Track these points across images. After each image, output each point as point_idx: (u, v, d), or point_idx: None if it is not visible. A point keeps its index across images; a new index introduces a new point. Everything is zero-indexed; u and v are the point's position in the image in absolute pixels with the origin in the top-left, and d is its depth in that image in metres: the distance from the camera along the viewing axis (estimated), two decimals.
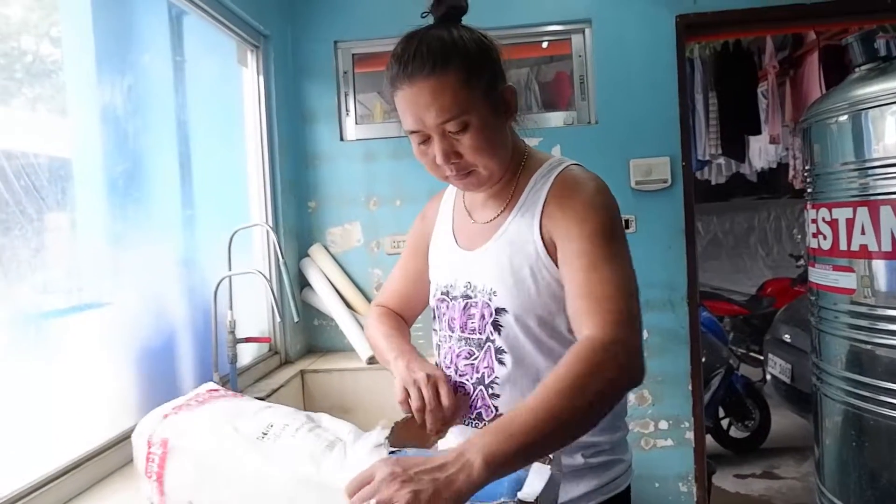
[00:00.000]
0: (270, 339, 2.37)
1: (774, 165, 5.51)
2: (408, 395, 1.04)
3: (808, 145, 1.98)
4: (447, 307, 1.13)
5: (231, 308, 1.87)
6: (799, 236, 6.26)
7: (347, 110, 2.72)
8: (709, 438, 3.67)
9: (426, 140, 1.01)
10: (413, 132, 1.01)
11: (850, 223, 1.76)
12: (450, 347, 1.13)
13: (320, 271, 2.62)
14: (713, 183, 5.71)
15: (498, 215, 1.10)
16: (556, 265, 1.02)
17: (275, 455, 0.88)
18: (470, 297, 1.09)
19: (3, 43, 1.36)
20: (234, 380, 1.87)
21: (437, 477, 0.74)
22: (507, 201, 1.10)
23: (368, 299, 2.65)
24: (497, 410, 1.06)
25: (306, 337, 2.67)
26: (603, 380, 0.84)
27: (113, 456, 1.43)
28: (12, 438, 1.21)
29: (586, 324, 0.92)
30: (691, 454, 2.61)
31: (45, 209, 1.35)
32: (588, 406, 0.83)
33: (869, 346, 1.76)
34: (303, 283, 2.66)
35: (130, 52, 1.71)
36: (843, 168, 1.78)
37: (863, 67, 1.81)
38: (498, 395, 1.06)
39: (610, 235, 0.99)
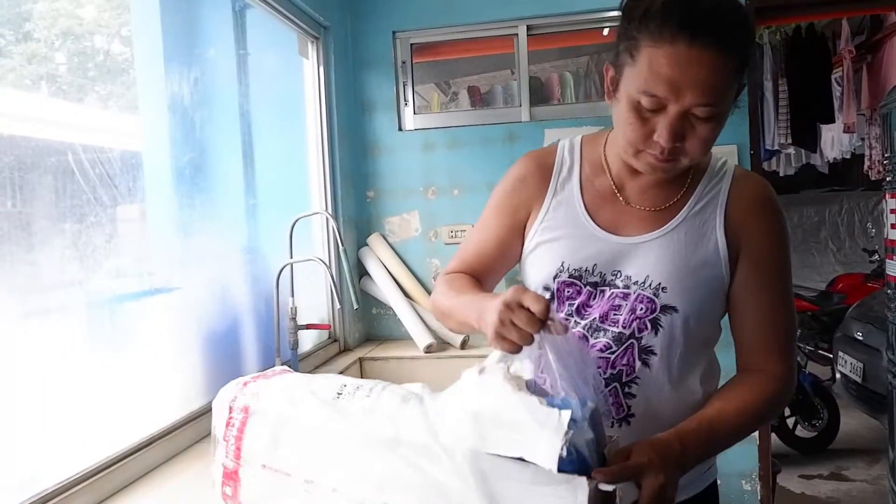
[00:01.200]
0: (330, 325, 2.42)
1: (848, 156, 5.24)
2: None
3: (887, 132, 1.88)
4: (577, 292, 1.02)
5: (292, 295, 1.92)
6: (873, 231, 5.94)
7: (406, 100, 2.74)
8: (774, 437, 3.55)
9: (659, 109, 0.88)
10: (653, 96, 0.87)
11: None
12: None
13: (378, 260, 2.65)
14: (781, 174, 5.48)
15: (671, 205, 1.02)
16: (731, 267, 1.00)
17: (351, 412, 0.88)
18: (619, 288, 1.00)
19: (77, 42, 1.43)
20: (296, 365, 1.92)
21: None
22: (681, 191, 1.02)
23: (426, 288, 2.67)
24: (629, 410, 0.99)
25: (365, 325, 2.72)
26: (773, 416, 1.02)
27: (184, 434, 1.50)
28: (90, 417, 1.28)
29: (773, 360, 0.98)
30: (755, 452, 2.54)
31: (118, 198, 1.41)
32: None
33: None
34: (361, 271, 2.70)
35: (196, 47, 1.77)
36: None
37: None
38: (634, 396, 0.99)
39: (790, 269, 1.03)
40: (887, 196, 1.87)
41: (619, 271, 1.00)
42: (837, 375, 3.81)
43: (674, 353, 0.99)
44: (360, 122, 2.73)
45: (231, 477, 0.93)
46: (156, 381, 1.48)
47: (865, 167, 4.52)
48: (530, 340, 0.81)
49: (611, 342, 0.99)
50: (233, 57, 1.97)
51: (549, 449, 0.73)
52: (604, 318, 1.00)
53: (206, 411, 1.60)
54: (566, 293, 1.02)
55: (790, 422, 3.88)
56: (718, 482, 1.12)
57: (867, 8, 3.07)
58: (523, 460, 0.75)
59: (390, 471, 0.82)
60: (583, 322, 1.01)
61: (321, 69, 2.48)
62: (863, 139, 4.73)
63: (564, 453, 0.73)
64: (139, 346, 1.46)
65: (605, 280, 1.01)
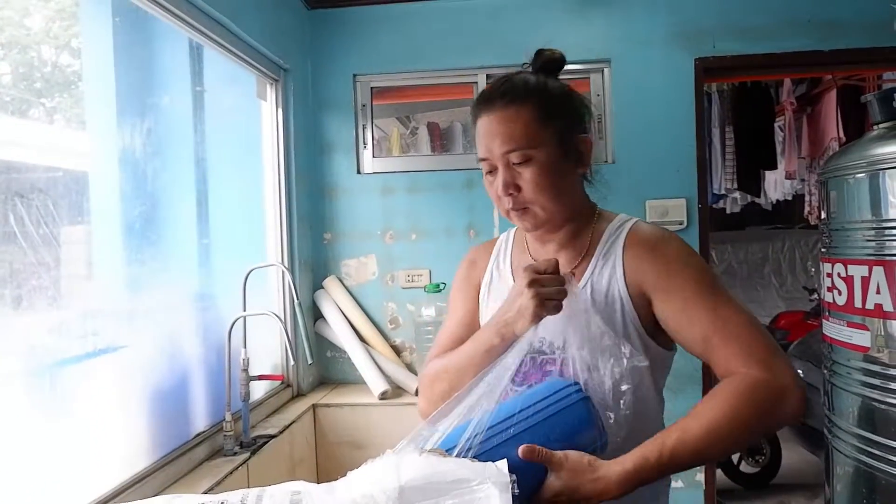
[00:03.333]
0: (283, 376, 2.39)
1: (790, 198, 5.48)
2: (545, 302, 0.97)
3: (825, 196, 1.97)
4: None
5: (245, 346, 1.89)
6: (812, 269, 6.20)
7: (365, 143, 2.75)
8: (719, 473, 3.64)
9: (493, 170, 1.05)
10: (482, 160, 1.06)
11: (865, 281, 1.74)
12: None
13: (334, 303, 2.63)
14: (728, 212, 5.69)
15: (575, 266, 1.09)
16: (640, 318, 1.03)
17: None
18: (548, 354, 1.06)
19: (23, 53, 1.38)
20: (247, 417, 1.89)
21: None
22: (582, 253, 1.10)
23: (382, 332, 2.66)
24: None
25: (319, 369, 2.68)
26: (758, 417, 0.90)
27: (129, 498, 1.45)
28: (29, 488, 1.23)
29: (735, 362, 0.94)
30: (701, 497, 2.60)
31: (63, 257, 1.37)
32: (746, 440, 0.92)
33: (883, 406, 1.74)
34: (316, 314, 2.68)
35: (151, 91, 1.74)
36: (860, 225, 1.78)
37: (882, 125, 1.80)
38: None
39: (716, 280, 1.03)
40: (824, 259, 1.96)
41: (544, 338, 1.06)
42: None
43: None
44: (319, 164, 2.72)
45: None
46: (99, 444, 1.43)
47: (805, 211, 4.73)
48: (566, 293, 0.98)
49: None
50: (188, 95, 1.94)
51: (501, 496, 0.77)
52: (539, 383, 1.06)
53: (151, 472, 1.56)
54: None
55: (735, 458, 3.99)
56: None
57: (803, 71, 3.24)
58: None
59: None
60: (520, 389, 1.06)
61: (280, 111, 2.47)
62: (803, 181, 4.94)
63: (516, 490, 0.79)
64: (82, 409, 1.41)
65: (538, 348, 1.07)
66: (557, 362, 1.05)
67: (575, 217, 1.11)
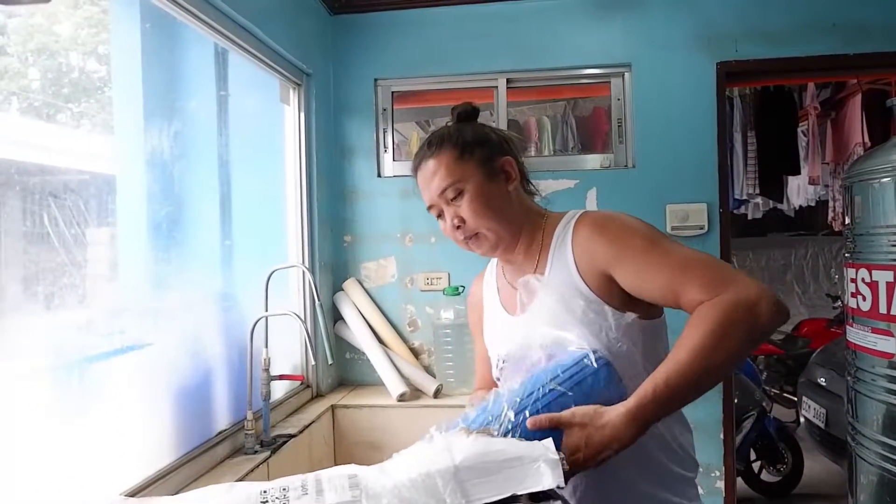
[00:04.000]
0: (303, 377, 2.41)
1: (813, 204, 5.41)
2: None
3: (849, 201, 1.96)
4: (511, 370, 1.18)
5: (266, 346, 1.92)
6: (836, 276, 6.11)
7: (385, 147, 2.77)
8: (739, 482, 3.59)
9: (441, 214, 1.20)
10: (430, 208, 1.21)
11: (890, 287, 1.73)
12: None
13: (354, 306, 2.65)
14: (750, 218, 5.63)
15: (534, 271, 1.19)
16: (603, 299, 1.09)
17: None
18: (536, 356, 1.13)
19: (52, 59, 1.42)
20: (267, 416, 1.91)
21: (604, 456, 0.93)
22: (537, 259, 1.20)
23: (401, 335, 2.67)
24: None
25: (338, 370, 2.71)
26: (738, 330, 0.94)
27: (152, 493, 1.47)
28: (56, 483, 1.25)
29: (690, 295, 0.99)
30: (721, 502, 2.57)
31: (90, 257, 1.40)
32: (734, 357, 0.96)
33: None
34: (336, 316, 2.70)
35: (176, 93, 1.78)
36: (885, 230, 1.76)
37: None
38: None
39: (657, 233, 1.09)
40: (848, 264, 1.94)
41: (526, 344, 1.15)
42: (801, 420, 3.88)
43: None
44: (340, 167, 2.75)
45: None
46: (124, 440, 1.46)
47: (829, 217, 4.66)
48: None
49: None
50: (213, 99, 1.97)
51: (553, 471, 0.83)
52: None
53: (175, 468, 1.58)
54: (505, 375, 1.21)
55: (755, 466, 3.94)
56: None
57: (827, 76, 3.20)
58: (505, 501, 0.81)
59: None
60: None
61: (302, 115, 2.51)
62: (827, 186, 4.88)
63: (566, 466, 0.85)
64: (108, 405, 1.43)
65: (525, 355, 1.15)
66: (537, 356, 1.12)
67: (525, 228, 1.21)
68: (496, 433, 0.93)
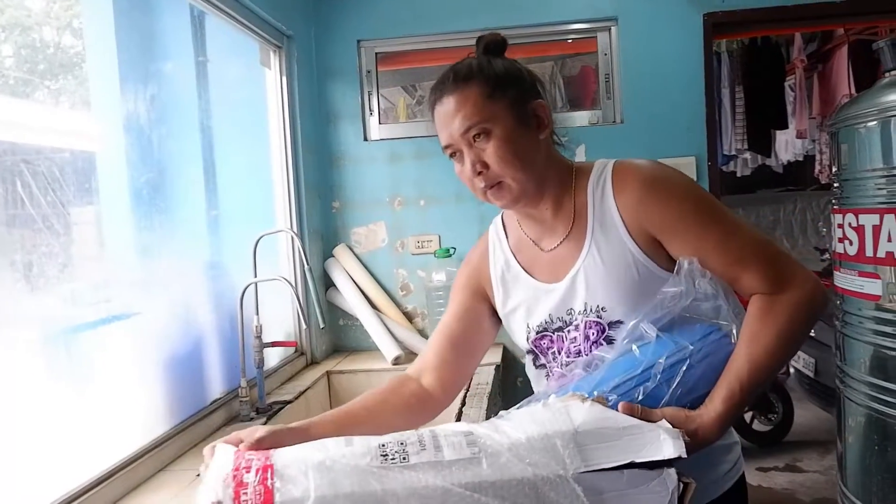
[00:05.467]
0: (296, 343, 2.41)
1: (801, 158, 5.41)
2: None
3: (836, 148, 1.96)
4: (551, 341, 1.12)
5: (257, 313, 1.91)
6: (824, 230, 6.15)
7: (371, 110, 2.73)
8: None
9: (460, 155, 1.07)
10: (446, 147, 1.08)
11: (876, 230, 1.74)
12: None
13: (345, 272, 2.65)
14: (738, 175, 5.63)
15: (570, 231, 1.10)
16: (654, 260, 1.03)
17: (421, 466, 0.75)
18: (573, 324, 1.08)
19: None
20: (262, 384, 1.91)
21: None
22: (572, 218, 1.10)
23: (393, 299, 2.67)
24: None
25: (332, 337, 2.71)
26: (805, 328, 0.97)
27: (147, 464, 1.48)
28: (47, 453, 1.25)
29: (750, 282, 0.99)
30: None
31: (72, 223, 1.38)
32: (792, 353, 0.99)
33: (893, 353, 1.74)
34: (328, 283, 2.70)
35: (153, 56, 1.74)
36: (872, 174, 1.76)
37: (893, 72, 1.78)
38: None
39: (717, 206, 1.04)
40: (835, 210, 1.95)
41: (571, 308, 1.09)
42: (791, 370, 3.95)
43: None
44: (325, 132, 2.71)
45: None
46: (116, 410, 1.46)
47: (816, 171, 4.67)
48: None
49: (581, 371, 1.05)
50: (191, 65, 1.93)
51: (674, 441, 0.80)
52: (569, 353, 1.09)
53: (169, 437, 1.59)
54: (544, 345, 1.13)
55: (747, 416, 4.01)
56: (685, 482, 1.16)
57: (816, 24, 3.17)
58: (621, 468, 0.79)
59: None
60: (556, 364, 1.11)
61: (284, 79, 2.46)
62: (814, 141, 4.88)
63: (687, 438, 0.82)
64: (98, 375, 1.43)
65: (564, 322, 1.10)
66: (583, 326, 1.07)
67: (552, 183, 1.11)
68: (613, 398, 0.91)
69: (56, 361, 1.34)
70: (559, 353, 1.10)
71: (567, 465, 0.77)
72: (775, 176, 6.15)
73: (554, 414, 0.84)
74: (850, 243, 1.84)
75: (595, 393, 0.92)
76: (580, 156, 2.60)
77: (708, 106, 2.56)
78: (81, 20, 1.57)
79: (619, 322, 1.04)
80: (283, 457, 0.77)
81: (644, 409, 0.89)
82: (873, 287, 1.76)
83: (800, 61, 4.26)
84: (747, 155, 4.72)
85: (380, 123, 2.74)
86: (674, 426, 0.87)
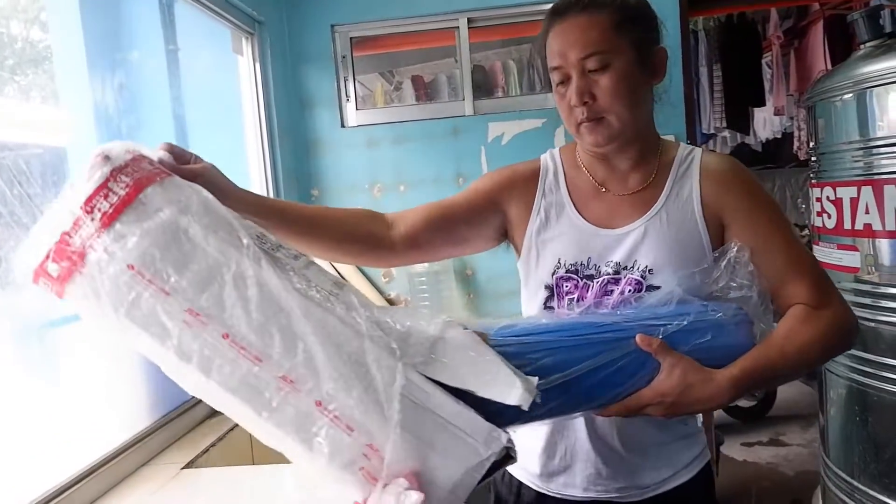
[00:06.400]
0: None
1: (779, 136, 5.46)
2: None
3: (812, 123, 1.96)
4: (574, 286, 1.07)
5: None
6: (803, 206, 6.22)
7: (347, 96, 2.70)
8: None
9: (566, 80, 1.01)
10: (555, 68, 1.02)
11: (854, 202, 1.75)
12: None
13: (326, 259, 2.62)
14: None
15: (645, 187, 1.08)
16: (713, 245, 1.04)
17: (281, 260, 0.74)
18: (611, 275, 1.05)
19: None
20: None
21: (690, 410, 0.91)
22: (653, 173, 1.08)
23: (376, 286, 2.66)
24: None
25: None
26: (835, 348, 1.03)
27: (129, 458, 1.46)
28: (25, 452, 1.23)
29: (795, 291, 1.01)
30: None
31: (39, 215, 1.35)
32: (815, 365, 1.11)
33: (872, 324, 1.76)
34: None
35: (121, 45, 1.70)
36: (848, 147, 1.77)
37: (868, 44, 1.78)
38: None
39: (785, 216, 1.07)
40: (813, 184, 1.96)
41: (611, 260, 1.06)
42: None
43: None
44: (301, 119, 2.68)
45: (71, 256, 0.70)
46: (96, 405, 1.43)
47: (794, 147, 4.71)
48: None
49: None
50: (162, 54, 1.89)
51: (523, 393, 0.75)
52: (598, 304, 1.05)
53: (152, 431, 1.56)
54: (564, 288, 1.08)
55: None
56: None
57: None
58: (458, 394, 0.74)
59: (315, 324, 0.71)
60: (577, 311, 1.04)
61: (257, 66, 2.42)
62: (792, 118, 4.91)
63: (539, 400, 0.77)
64: (76, 370, 1.40)
65: (599, 271, 1.06)
66: (623, 282, 1.05)
67: (644, 136, 1.08)
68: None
69: (31, 357, 1.31)
70: (576, 302, 1.07)
71: (405, 354, 0.73)
72: (754, 154, 6.20)
73: (429, 321, 0.80)
74: (829, 216, 1.85)
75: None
76: (559, 138, 2.58)
77: (686, 84, 2.55)
78: (48, 12, 1.52)
79: (657, 287, 1.02)
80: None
81: (662, 344, 0.89)
82: (852, 259, 1.78)
83: (776, 38, 4.27)
84: (726, 133, 4.75)
85: (357, 109, 2.70)
86: (687, 372, 0.89)
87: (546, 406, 0.83)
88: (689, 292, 0.99)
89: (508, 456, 0.76)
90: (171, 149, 0.89)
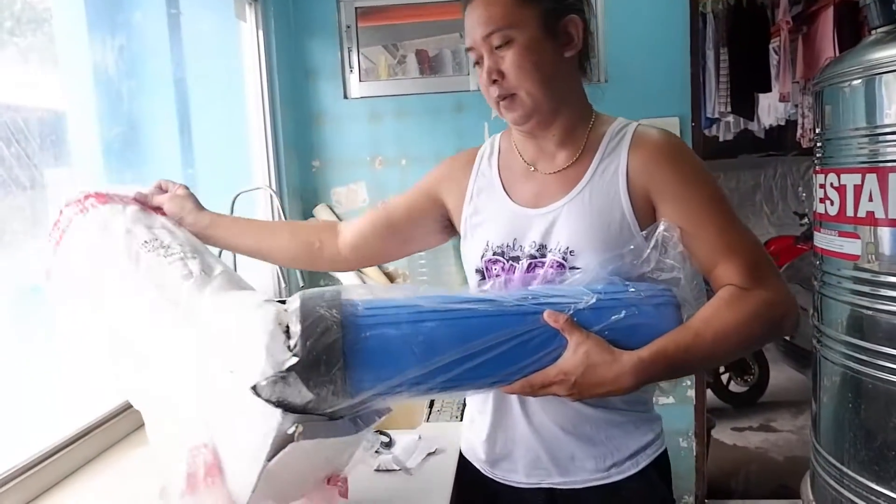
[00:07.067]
0: None
1: (783, 122, 5.42)
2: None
3: (819, 108, 1.94)
4: (501, 268, 1.07)
5: (235, 271, 1.87)
6: (804, 194, 6.21)
7: (351, 67, 2.67)
8: (709, 393, 3.75)
9: (480, 60, 1.02)
10: (469, 50, 1.04)
11: (857, 189, 1.74)
12: None
13: None
14: (721, 139, 5.63)
15: (570, 165, 1.06)
16: (640, 224, 1.00)
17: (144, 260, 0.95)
18: (536, 257, 1.04)
19: None
20: None
21: (595, 392, 0.89)
22: (579, 151, 1.06)
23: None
24: None
25: None
26: (762, 331, 0.95)
27: (124, 422, 1.46)
28: (20, 412, 1.24)
29: (727, 272, 0.96)
30: (692, 411, 2.66)
31: (38, 177, 1.34)
32: (747, 351, 0.96)
33: (870, 312, 1.76)
34: None
35: (122, 9, 1.67)
36: (854, 133, 1.75)
37: (879, 30, 1.75)
38: None
39: (724, 195, 1.02)
40: (817, 170, 1.95)
41: (534, 241, 1.05)
42: None
43: None
44: (304, 89, 2.65)
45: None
46: (93, 368, 1.43)
47: (798, 134, 4.68)
48: None
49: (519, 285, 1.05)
50: (163, 17, 1.86)
51: (271, 357, 0.76)
52: (524, 286, 1.04)
53: None
54: (493, 270, 1.08)
55: (724, 378, 4.10)
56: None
57: None
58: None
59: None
60: (489, 286, 1.06)
61: (260, 33, 2.38)
62: (796, 106, 4.88)
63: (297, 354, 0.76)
64: (72, 333, 1.39)
65: (524, 252, 1.05)
66: (546, 265, 1.03)
67: (568, 111, 1.06)
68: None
69: (26, 319, 1.30)
70: (509, 284, 1.05)
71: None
72: (757, 141, 6.17)
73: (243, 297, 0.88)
74: (831, 203, 1.84)
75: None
76: None
77: (692, 66, 2.53)
78: None
79: (580, 269, 1.00)
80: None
81: (569, 321, 0.87)
82: (852, 247, 1.77)
83: (785, 23, 4.22)
84: (730, 118, 4.72)
85: (360, 81, 2.67)
86: (592, 352, 0.86)
87: (442, 376, 0.83)
88: (619, 274, 0.97)
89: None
90: (158, 184, 1.19)
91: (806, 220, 4.93)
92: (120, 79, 1.60)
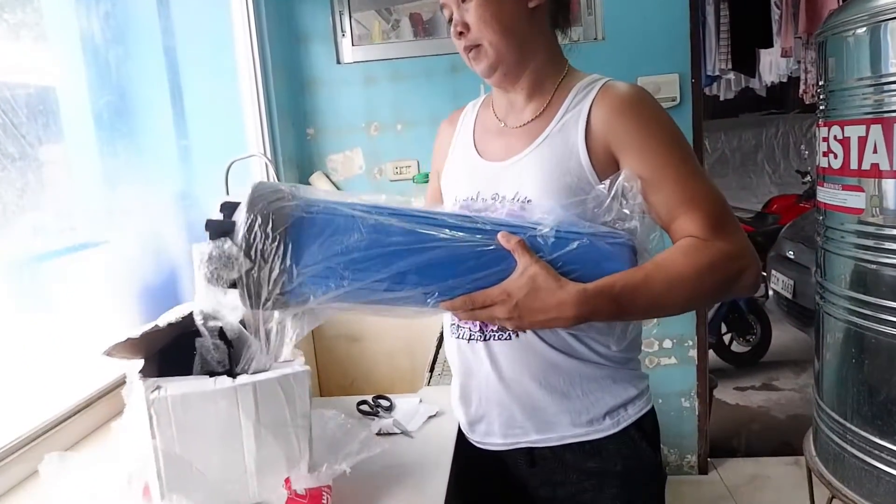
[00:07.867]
0: None
1: (785, 79, 5.34)
2: None
3: (822, 60, 1.90)
4: None
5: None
6: (806, 152, 6.16)
7: (343, 31, 2.61)
8: (711, 353, 3.76)
9: (451, 17, 1.05)
10: (442, 6, 1.06)
11: (862, 141, 1.70)
12: None
13: None
14: (722, 98, 5.55)
15: (532, 120, 1.06)
16: (598, 176, 0.99)
17: None
18: (490, 209, 1.03)
19: None
20: None
21: (536, 319, 0.88)
22: (543, 106, 1.06)
23: None
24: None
25: None
26: (718, 284, 0.93)
27: (119, 396, 1.45)
28: (17, 386, 1.22)
29: (686, 224, 0.95)
30: (694, 372, 2.67)
31: (28, 148, 1.31)
32: (701, 304, 0.94)
33: (874, 266, 1.75)
34: None
35: None
36: (859, 84, 1.71)
37: None
38: None
39: (689, 148, 1.01)
40: (820, 124, 1.91)
41: (497, 193, 1.05)
42: (770, 292, 4.02)
43: None
44: (296, 55, 2.59)
45: None
46: (89, 341, 1.42)
47: (801, 91, 4.60)
48: None
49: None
50: None
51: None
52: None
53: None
54: None
55: (726, 338, 4.10)
56: (659, 401, 1.13)
57: None
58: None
59: None
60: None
61: None
62: (799, 62, 4.79)
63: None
64: (68, 304, 1.39)
65: (487, 205, 1.05)
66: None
67: (535, 64, 1.06)
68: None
69: (22, 290, 1.29)
70: None
71: None
72: (758, 99, 6.09)
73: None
74: (835, 156, 1.81)
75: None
76: None
77: (692, 21, 2.47)
78: None
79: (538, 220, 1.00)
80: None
81: (521, 242, 0.88)
82: (856, 200, 1.75)
83: None
84: (731, 76, 4.64)
85: (353, 45, 2.62)
86: (537, 277, 0.86)
87: (386, 269, 0.84)
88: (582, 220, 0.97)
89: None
90: None
91: (808, 178, 4.90)
92: (107, 46, 1.56)
